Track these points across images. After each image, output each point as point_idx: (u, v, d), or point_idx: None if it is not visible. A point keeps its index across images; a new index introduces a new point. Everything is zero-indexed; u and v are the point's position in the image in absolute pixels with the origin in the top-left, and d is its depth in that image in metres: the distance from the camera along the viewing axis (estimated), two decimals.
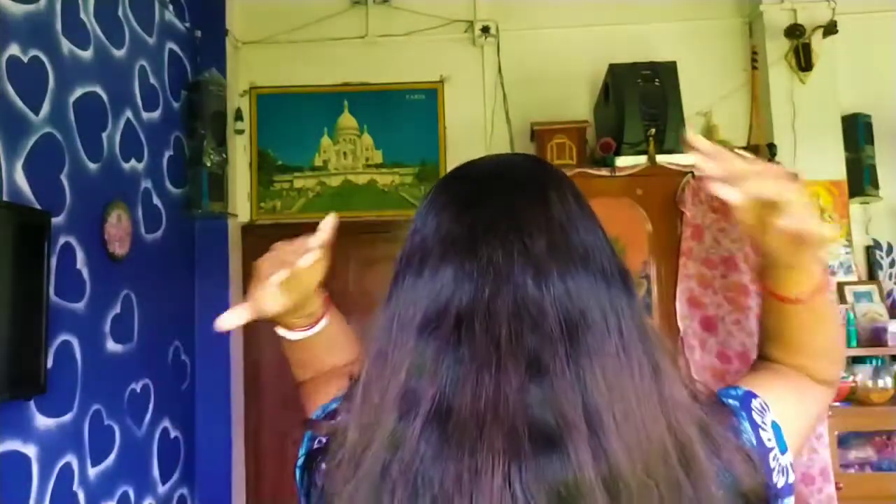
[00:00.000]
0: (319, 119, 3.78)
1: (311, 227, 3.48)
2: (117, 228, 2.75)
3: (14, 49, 2.19)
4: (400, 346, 0.60)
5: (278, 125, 3.79)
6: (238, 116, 3.70)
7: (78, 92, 2.54)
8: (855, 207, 3.59)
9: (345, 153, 3.76)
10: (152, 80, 3.15)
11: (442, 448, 0.54)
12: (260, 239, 3.70)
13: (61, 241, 2.39)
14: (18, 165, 2.19)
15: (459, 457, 0.54)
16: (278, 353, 3.75)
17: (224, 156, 3.44)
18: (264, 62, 3.81)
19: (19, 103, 2.21)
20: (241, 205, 3.73)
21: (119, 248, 2.76)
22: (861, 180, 3.51)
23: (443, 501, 0.53)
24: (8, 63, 2.16)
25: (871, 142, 3.54)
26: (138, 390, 2.89)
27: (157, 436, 3.05)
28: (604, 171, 3.05)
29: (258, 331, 3.67)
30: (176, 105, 3.38)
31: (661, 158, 3.06)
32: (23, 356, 2.09)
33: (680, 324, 2.90)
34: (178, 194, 3.34)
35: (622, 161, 3.06)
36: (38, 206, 2.26)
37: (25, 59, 2.25)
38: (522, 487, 0.52)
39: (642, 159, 3.06)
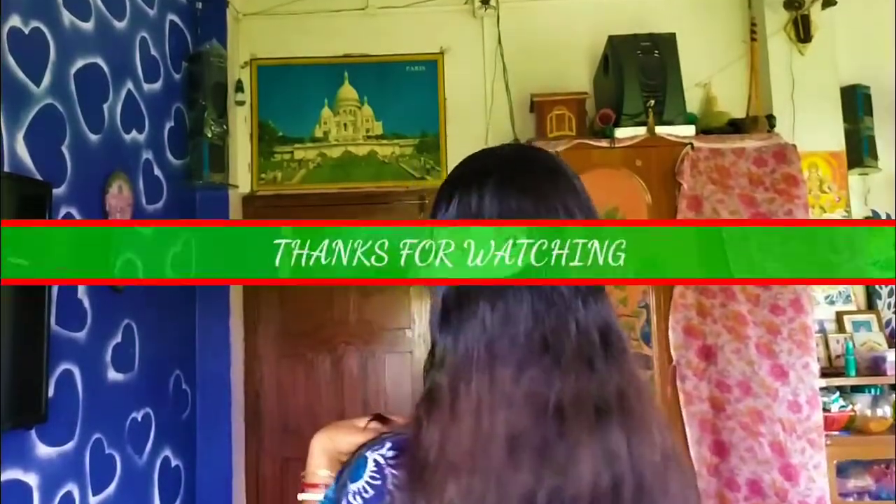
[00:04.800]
0: (320, 90, 3.79)
1: (312, 198, 3.52)
2: (118, 199, 2.77)
3: (15, 20, 2.20)
4: (504, 365, 0.73)
5: (279, 97, 3.80)
6: (239, 88, 3.70)
7: (79, 63, 2.55)
8: (854, 178, 3.61)
9: (345, 124, 3.77)
10: (153, 52, 3.15)
11: (558, 429, 0.71)
12: (260, 209, 3.74)
13: (62, 211, 2.41)
14: (20, 137, 2.21)
15: (567, 437, 0.71)
16: (278, 381, 3.77)
17: (225, 127, 3.45)
18: (265, 34, 3.81)
19: (20, 74, 2.22)
20: (241, 176, 3.74)
21: (120, 218, 2.78)
22: (860, 151, 3.52)
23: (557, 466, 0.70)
24: (9, 34, 2.17)
25: (870, 113, 3.55)
26: (140, 419, 2.90)
27: (158, 465, 3.05)
28: (603, 143, 3.07)
29: (259, 359, 3.71)
30: (177, 76, 3.39)
31: (661, 130, 3.08)
32: (20, 388, 2.10)
33: (674, 353, 2.92)
34: (178, 165, 3.36)
35: (621, 132, 3.08)
36: (40, 178, 2.28)
37: (26, 31, 2.26)
38: (594, 453, 0.71)
39: (641, 130, 3.08)
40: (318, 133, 3.77)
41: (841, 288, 3.50)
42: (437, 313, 0.78)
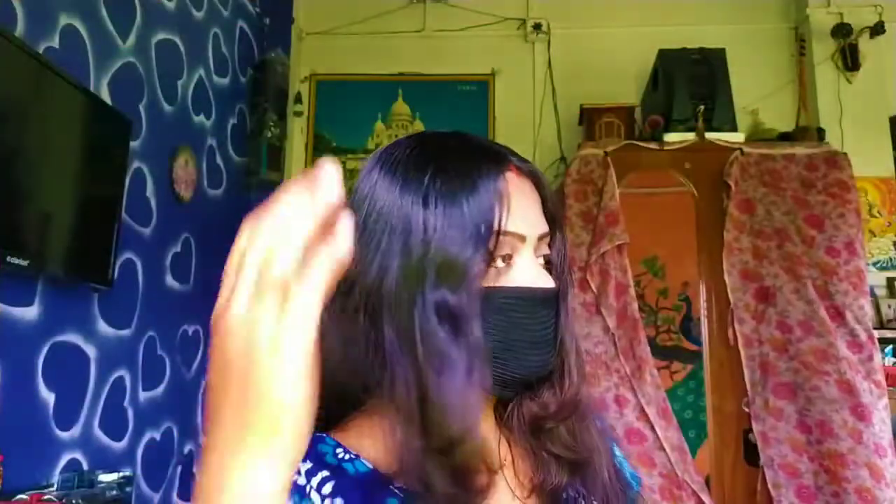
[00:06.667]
0: (374, 105, 3.94)
1: None
2: (185, 171, 2.87)
3: None
4: None
5: (335, 110, 3.95)
6: (297, 100, 3.86)
7: (160, 35, 2.71)
8: None
9: (397, 137, 3.88)
10: (223, 49, 3.33)
11: None
12: None
13: (135, 164, 2.51)
14: (104, 82, 2.33)
15: None
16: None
17: (283, 131, 3.58)
18: (325, 52, 4.00)
19: (110, 26, 2.37)
20: None
21: (184, 190, 2.87)
22: None
23: None
24: None
25: None
26: (190, 333, 2.96)
27: (202, 385, 3.09)
28: (652, 145, 3.12)
29: None
30: (242, 80, 3.55)
31: (710, 135, 3.11)
32: (91, 243, 2.16)
33: (731, 296, 2.89)
34: (238, 162, 3.48)
35: (670, 137, 3.12)
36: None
37: None
38: None
39: (690, 135, 3.12)
40: (371, 145, 3.89)
41: (892, 254, 3.45)
42: None
